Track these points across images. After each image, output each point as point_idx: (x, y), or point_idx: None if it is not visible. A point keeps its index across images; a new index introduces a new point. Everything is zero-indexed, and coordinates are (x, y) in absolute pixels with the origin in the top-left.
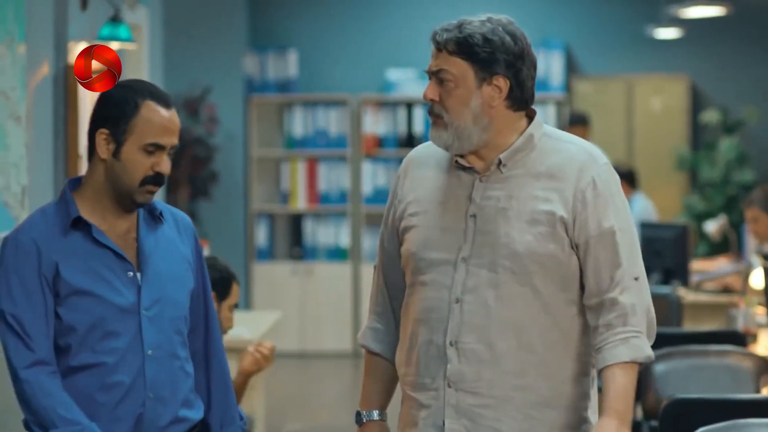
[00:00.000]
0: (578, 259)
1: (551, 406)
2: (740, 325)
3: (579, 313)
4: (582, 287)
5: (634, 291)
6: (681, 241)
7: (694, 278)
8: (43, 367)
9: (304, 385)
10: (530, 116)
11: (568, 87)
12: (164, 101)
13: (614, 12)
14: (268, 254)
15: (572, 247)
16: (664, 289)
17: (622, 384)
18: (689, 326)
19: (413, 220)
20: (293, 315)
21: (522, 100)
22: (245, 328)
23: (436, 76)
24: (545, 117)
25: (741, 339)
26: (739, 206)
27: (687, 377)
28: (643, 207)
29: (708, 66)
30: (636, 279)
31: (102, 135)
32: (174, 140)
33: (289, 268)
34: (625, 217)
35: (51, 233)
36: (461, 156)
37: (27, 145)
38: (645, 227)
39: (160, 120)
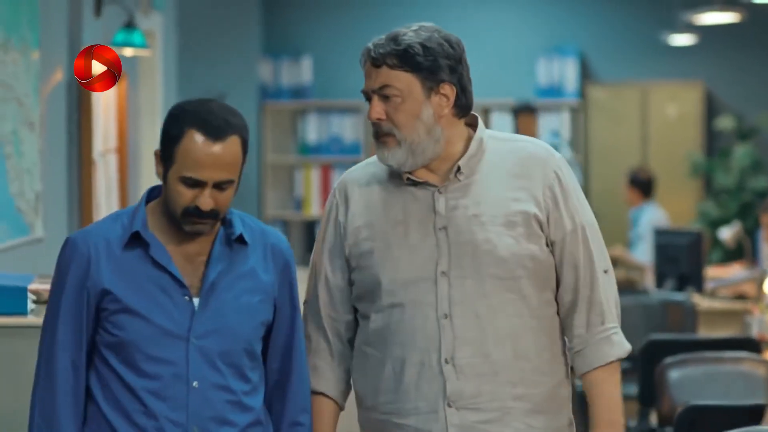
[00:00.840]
0: (553, 256)
1: (545, 412)
2: (755, 332)
3: (557, 312)
4: (557, 285)
5: (607, 285)
6: (695, 247)
7: (708, 285)
8: (44, 393)
9: None
10: (469, 123)
11: (582, 94)
12: (213, 132)
13: (629, 18)
14: None
15: (548, 245)
16: (679, 296)
17: (609, 391)
18: (704, 333)
19: (370, 245)
20: None
21: (466, 106)
22: None
23: (378, 93)
24: (560, 124)
25: (756, 346)
26: (754, 213)
27: (701, 384)
28: (654, 216)
29: (723, 72)
30: (605, 272)
31: (157, 155)
32: (218, 175)
33: (303, 274)
34: (588, 209)
35: (111, 243)
36: (410, 172)
37: (40, 151)
38: (659, 234)
39: (199, 154)
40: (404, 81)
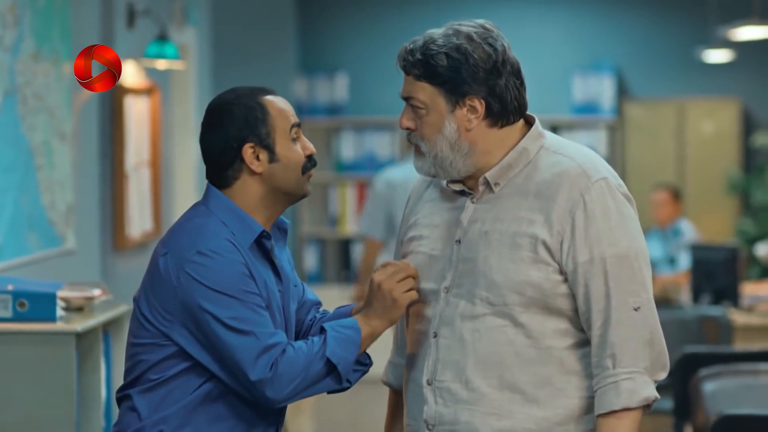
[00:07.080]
0: (569, 286)
1: None
2: None
3: (578, 345)
4: (578, 315)
5: (630, 324)
6: (731, 263)
7: (745, 301)
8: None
9: (354, 410)
10: (531, 123)
11: (618, 110)
12: (271, 91)
13: (665, 35)
14: (318, 278)
15: (561, 273)
16: (715, 311)
17: None
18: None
19: (410, 246)
20: None
21: (505, 114)
22: None
23: (408, 102)
24: (596, 141)
25: None
26: None
27: (737, 396)
28: (690, 226)
29: (760, 89)
30: (636, 309)
31: (249, 151)
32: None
33: (339, 292)
34: (623, 238)
35: (240, 248)
36: (453, 181)
37: (73, 163)
38: (696, 249)
39: (283, 103)
40: (427, 93)
